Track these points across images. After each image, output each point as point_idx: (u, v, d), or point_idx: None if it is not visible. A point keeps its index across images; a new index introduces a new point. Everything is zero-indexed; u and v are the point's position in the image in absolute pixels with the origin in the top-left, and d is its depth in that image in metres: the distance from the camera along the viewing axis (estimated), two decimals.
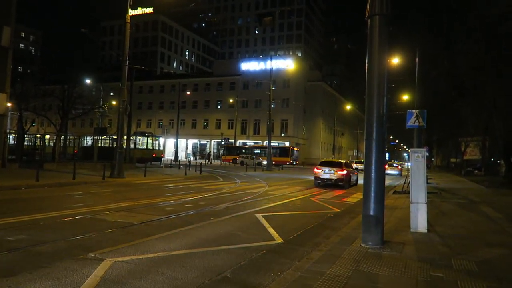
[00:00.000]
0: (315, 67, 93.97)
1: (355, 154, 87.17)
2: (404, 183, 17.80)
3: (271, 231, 7.79)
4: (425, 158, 8.03)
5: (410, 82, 24.42)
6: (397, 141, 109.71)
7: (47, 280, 4.43)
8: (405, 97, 29.04)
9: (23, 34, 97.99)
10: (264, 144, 53.61)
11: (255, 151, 52.68)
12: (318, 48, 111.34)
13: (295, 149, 51.05)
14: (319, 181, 19.36)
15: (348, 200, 14.55)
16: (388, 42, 6.65)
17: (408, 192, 9.50)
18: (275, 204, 12.19)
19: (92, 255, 5.46)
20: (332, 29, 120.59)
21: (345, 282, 4.58)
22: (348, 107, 71.32)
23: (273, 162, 46.51)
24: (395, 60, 21.90)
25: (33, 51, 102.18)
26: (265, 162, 40.67)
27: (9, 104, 24.52)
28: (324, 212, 11.06)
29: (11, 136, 27.30)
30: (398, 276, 4.91)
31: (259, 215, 9.57)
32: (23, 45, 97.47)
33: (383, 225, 6.56)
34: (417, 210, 7.81)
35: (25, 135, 27.99)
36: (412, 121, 11.73)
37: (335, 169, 19.04)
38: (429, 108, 14.86)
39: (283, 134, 61.19)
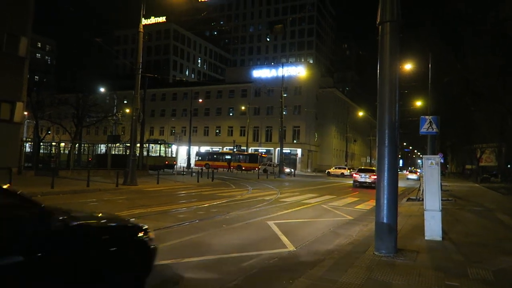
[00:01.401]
0: (327, 73, 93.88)
1: (368, 161, 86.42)
2: (418, 190, 17.58)
3: (283, 238, 7.77)
4: (439, 164, 7.95)
5: (422, 88, 24.22)
6: (410, 147, 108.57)
7: None
8: (418, 103, 28.79)
9: (39, 44, 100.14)
10: (234, 150, 55.93)
11: (226, 157, 53.52)
12: (329, 54, 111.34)
13: (263, 155, 52.46)
14: (357, 183, 25.78)
15: (361, 207, 14.42)
16: (399, 49, 6.64)
17: (422, 200, 9.40)
18: (287, 211, 12.16)
19: None
20: (344, 36, 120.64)
21: None
22: (361, 113, 70.96)
23: (243, 168, 47.57)
24: (407, 66, 21.77)
25: (48, 60, 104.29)
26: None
27: (25, 113, 25.07)
28: (336, 219, 10.99)
29: (27, 144, 27.83)
30: (412, 284, 4.85)
31: (271, 222, 9.56)
32: (39, 55, 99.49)
33: (397, 232, 6.50)
34: (431, 218, 7.72)
35: (41, 143, 28.45)
36: (425, 128, 11.63)
37: (369, 174, 25.10)
38: (442, 114, 14.73)
39: (295, 141, 61.07)
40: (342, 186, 27.49)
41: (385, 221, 6.32)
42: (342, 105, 71.78)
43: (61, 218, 3.43)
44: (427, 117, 11.94)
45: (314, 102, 63.74)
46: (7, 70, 20.97)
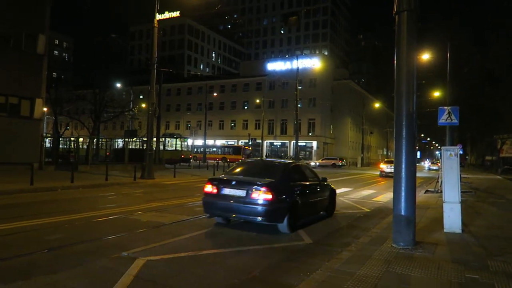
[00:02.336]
0: (342, 65, 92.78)
1: (385, 153, 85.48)
2: (437, 181, 17.32)
3: (300, 231, 7.77)
4: (458, 156, 7.80)
5: (441, 78, 23.74)
6: (428, 139, 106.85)
7: (84, 278, 4.61)
8: (436, 94, 28.23)
9: (57, 42, 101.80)
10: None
11: (213, 149, 55.40)
12: (344, 46, 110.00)
13: (246, 147, 53.59)
14: (383, 173, 28.60)
15: (378, 199, 14.30)
16: (417, 38, 6.51)
17: (441, 191, 9.26)
18: None
19: (126, 254, 5.63)
20: (359, 26, 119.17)
21: (376, 283, 4.52)
22: (377, 105, 70.00)
23: (227, 159, 48.14)
24: (425, 56, 21.34)
25: (66, 57, 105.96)
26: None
27: (44, 109, 25.59)
28: (353, 212, 10.93)
29: (47, 140, 28.41)
30: (431, 277, 4.80)
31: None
32: (57, 52, 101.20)
33: (415, 225, 6.43)
34: (450, 210, 7.60)
35: (60, 139, 29.04)
36: (443, 118, 11.40)
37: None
38: (461, 105, 14.40)
39: (310, 134, 60.80)
40: (359, 178, 27.29)
41: (403, 213, 6.26)
42: (357, 97, 70.91)
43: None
44: (445, 107, 11.69)
45: (329, 94, 63.19)
46: (26, 67, 21.43)
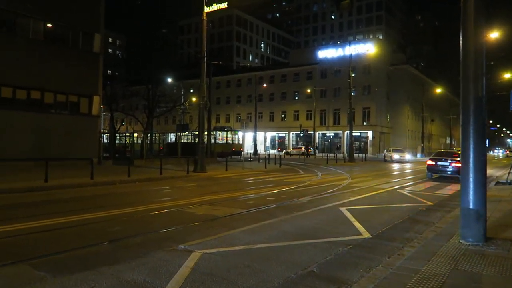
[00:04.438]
0: (399, 49, 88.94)
1: (448, 142, 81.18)
2: (509, 172, 16.16)
3: (357, 225, 7.61)
4: None
5: None
6: (498, 126, 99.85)
7: (144, 269, 4.84)
8: (507, 76, 26.23)
9: (110, 40, 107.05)
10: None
11: None
12: (401, 28, 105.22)
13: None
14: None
15: (442, 192, 13.65)
16: (485, 15, 6.06)
17: None
18: (360, 197, 11.88)
19: (182, 246, 5.83)
20: (416, 6, 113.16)
21: (443, 281, 4.31)
22: (438, 90, 66.43)
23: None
24: (494, 34, 19.85)
25: (119, 54, 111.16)
26: None
27: (101, 106, 27.11)
28: (415, 205, 10.51)
29: (104, 136, 30.14)
30: (507, 277, 4.49)
31: (343, 209, 9.40)
32: (110, 50, 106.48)
33: (486, 219, 6.04)
34: None
35: (116, 134, 30.67)
36: None
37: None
38: None
39: (365, 123, 59.12)
40: (420, 170, 26.22)
41: (471, 206, 5.90)
42: (416, 83, 67.70)
43: None
44: None
45: (385, 81, 60.95)
46: (84, 66, 22.79)
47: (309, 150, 51.87)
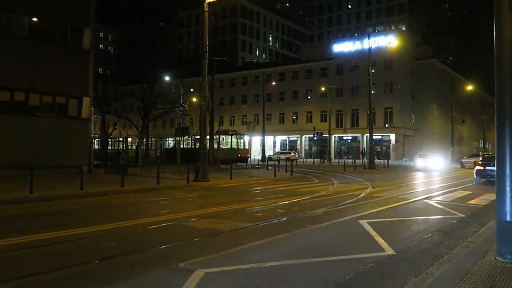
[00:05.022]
0: (424, 41, 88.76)
1: (481, 145, 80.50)
2: None
3: (379, 240, 7.57)
4: None
5: None
6: None
7: None
8: None
9: (101, 35, 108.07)
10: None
11: None
12: (426, 18, 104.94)
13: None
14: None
15: (474, 202, 13.54)
16: None
17: None
18: (382, 208, 11.82)
19: (183, 265, 5.84)
20: None
21: None
22: (469, 87, 66.04)
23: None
24: None
25: (112, 51, 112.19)
26: None
27: (92, 108, 27.36)
28: (444, 217, 10.43)
29: (95, 141, 30.39)
30: None
31: (363, 222, 9.36)
32: (102, 46, 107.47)
33: None
34: None
35: (108, 139, 30.91)
36: None
37: None
38: None
39: (387, 125, 58.92)
40: (448, 178, 26.02)
41: (509, 218, 5.84)
42: (444, 79, 67.42)
43: None
44: None
45: (410, 77, 60.78)
46: (73, 64, 23.01)
47: (293, 154, 53.38)
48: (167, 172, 23.92)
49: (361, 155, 56.23)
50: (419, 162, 37.24)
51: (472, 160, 38.83)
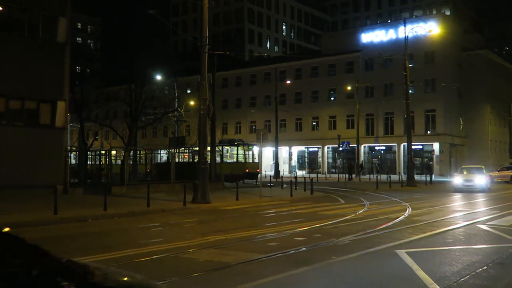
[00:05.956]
0: (473, 29, 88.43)
1: None
2: None
3: (421, 274, 7.51)
4: None
5: None
6: None
7: None
8: None
9: (79, 25, 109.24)
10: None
11: None
12: (476, 0, 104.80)
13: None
14: None
15: None
16: None
17: None
18: (425, 235, 11.76)
19: None
20: None
21: None
22: None
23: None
24: None
25: (91, 45, 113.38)
26: None
27: (68, 114, 27.55)
28: (502, 246, 10.36)
29: (71, 155, 30.58)
30: None
31: (401, 252, 9.30)
32: (80, 39, 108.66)
33: None
34: None
35: (88, 152, 31.10)
36: None
37: None
38: None
39: (429, 132, 58.59)
40: (505, 198, 25.77)
41: None
42: (499, 74, 67.10)
43: None
44: None
45: (456, 73, 60.53)
46: (45, 61, 23.16)
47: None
48: (159, 191, 23.96)
49: (358, 168, 55.23)
50: (457, 180, 31.49)
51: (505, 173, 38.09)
